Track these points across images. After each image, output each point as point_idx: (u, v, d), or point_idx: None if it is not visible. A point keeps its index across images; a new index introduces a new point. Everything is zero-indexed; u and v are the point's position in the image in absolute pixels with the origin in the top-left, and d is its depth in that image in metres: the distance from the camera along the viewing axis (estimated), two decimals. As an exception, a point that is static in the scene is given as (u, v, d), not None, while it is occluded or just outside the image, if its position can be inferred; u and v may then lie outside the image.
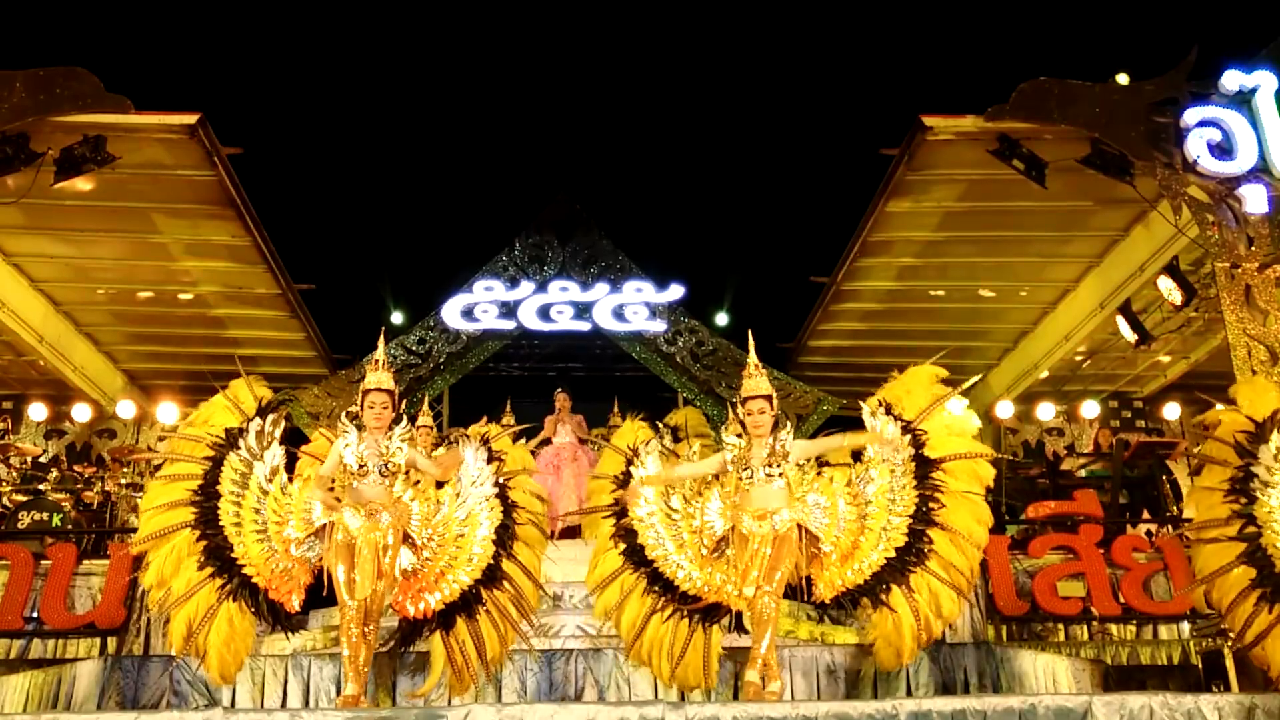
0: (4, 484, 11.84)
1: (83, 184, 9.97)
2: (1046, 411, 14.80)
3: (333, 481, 6.31)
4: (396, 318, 14.74)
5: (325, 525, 6.21)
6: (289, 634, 7.35)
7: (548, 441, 11.44)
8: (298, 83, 16.68)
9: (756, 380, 6.71)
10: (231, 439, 6.62)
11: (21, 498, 11.48)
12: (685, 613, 6.65)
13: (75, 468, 12.89)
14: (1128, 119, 9.46)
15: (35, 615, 9.57)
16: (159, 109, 9.52)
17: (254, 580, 6.41)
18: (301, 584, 6.41)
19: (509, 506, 6.66)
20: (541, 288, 14.15)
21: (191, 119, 9.45)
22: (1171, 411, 14.58)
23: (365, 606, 6.06)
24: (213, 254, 11.88)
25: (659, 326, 14.15)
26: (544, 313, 14.06)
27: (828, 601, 6.74)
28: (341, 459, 6.23)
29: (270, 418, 6.71)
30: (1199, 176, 9.36)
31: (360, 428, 6.28)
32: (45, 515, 11.15)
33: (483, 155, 16.85)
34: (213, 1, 16.28)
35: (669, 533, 6.71)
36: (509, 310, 14.01)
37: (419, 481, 6.48)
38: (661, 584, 6.64)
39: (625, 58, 17.36)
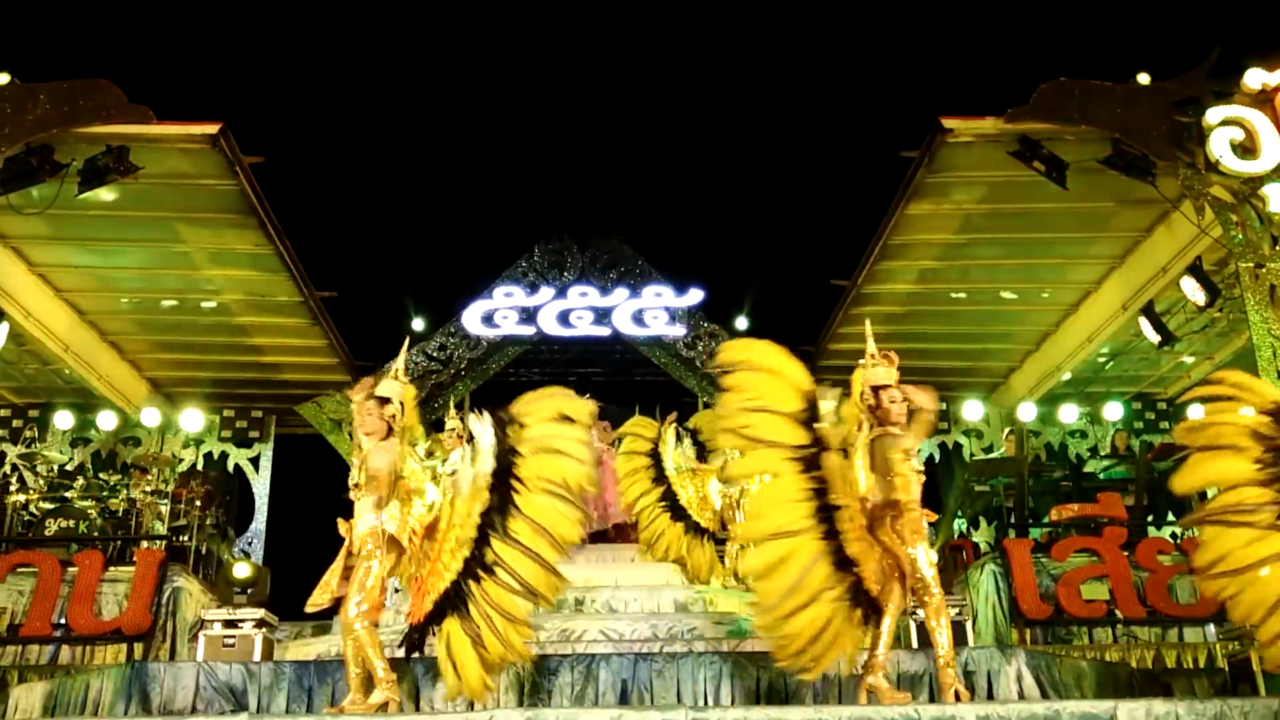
0: (31, 492, 11.94)
1: (106, 194, 10.05)
2: (1069, 413, 14.73)
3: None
4: (418, 324, 14.78)
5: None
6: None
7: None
8: (318, 92, 16.79)
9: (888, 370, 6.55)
10: None
11: (49, 505, 11.57)
12: (852, 600, 5.69)
13: (101, 475, 12.99)
14: (1149, 119, 9.40)
15: (63, 621, 9.66)
16: (181, 119, 9.59)
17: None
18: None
19: (508, 482, 5.92)
20: (561, 293, 14.18)
21: (213, 129, 9.51)
22: (1196, 413, 14.45)
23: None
24: (235, 263, 11.95)
25: (679, 331, 14.16)
26: (564, 318, 14.09)
27: None
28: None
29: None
30: (1222, 176, 9.29)
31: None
32: (72, 523, 11.26)
33: (503, 161, 16.91)
34: (233, 12, 16.39)
35: (847, 498, 5.81)
36: (529, 316, 14.06)
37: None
38: (838, 559, 5.65)
39: (645, 63, 17.40)
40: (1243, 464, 6.00)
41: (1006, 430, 14.67)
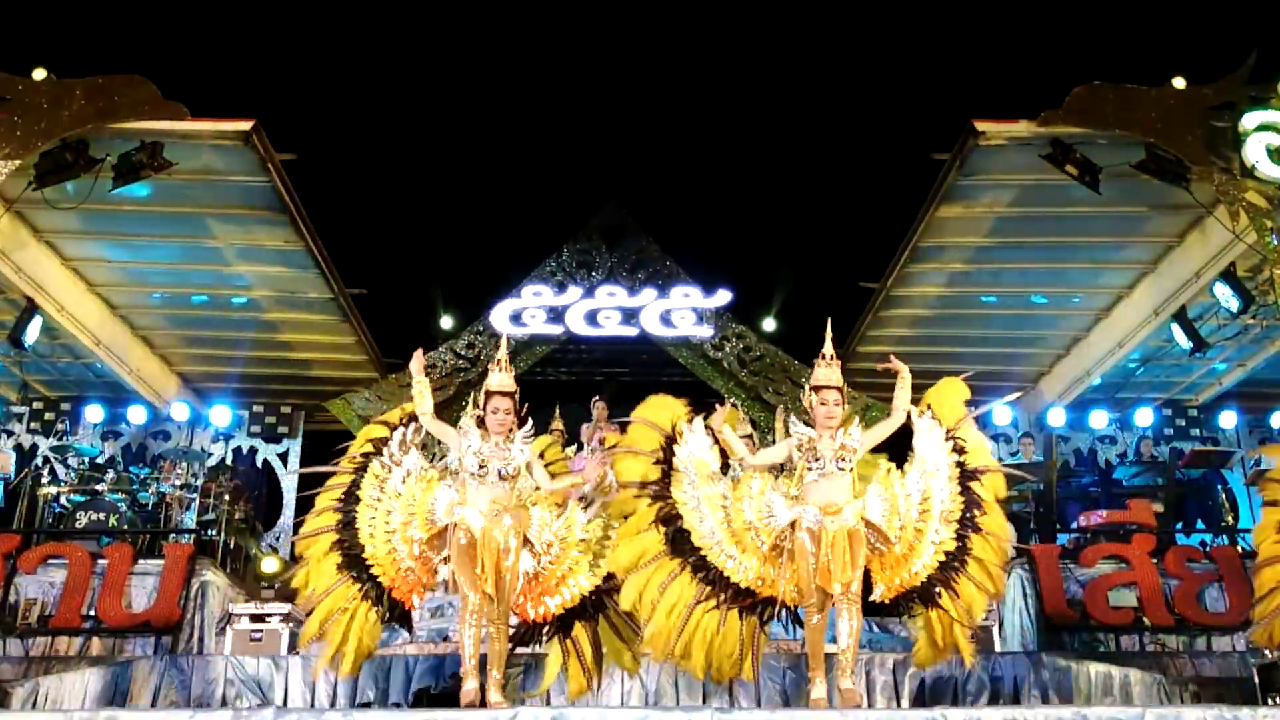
0: (63, 485, 12.06)
1: (139, 190, 10.14)
2: (1099, 419, 14.63)
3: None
4: (446, 322, 14.83)
5: (448, 527, 6.31)
6: (409, 632, 7.43)
7: (582, 448, 11.47)
8: (350, 89, 16.87)
9: (830, 370, 6.53)
10: (376, 448, 6.82)
11: (79, 498, 11.69)
12: (735, 606, 6.30)
13: (131, 468, 13.11)
14: (1184, 123, 9.32)
15: (93, 614, 9.75)
16: (214, 116, 9.65)
17: (379, 579, 6.55)
18: (422, 584, 6.58)
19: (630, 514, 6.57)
20: (589, 293, 14.19)
21: (246, 125, 9.57)
22: (1227, 420, 14.35)
23: (484, 602, 6.12)
24: (266, 259, 12.03)
25: (706, 332, 14.15)
26: (591, 318, 14.10)
27: (886, 602, 6.46)
28: (461, 460, 6.41)
29: (414, 425, 6.83)
30: (1257, 182, 9.21)
31: (482, 427, 6.42)
32: (102, 515, 11.36)
33: (532, 160, 16.93)
34: (267, 8, 16.49)
35: (718, 519, 6.40)
36: (557, 315, 14.07)
37: (539, 486, 6.56)
38: (707, 574, 6.31)
39: (675, 63, 17.38)
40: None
41: (1021, 433, 14.60)
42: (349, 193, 15.57)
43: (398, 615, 6.65)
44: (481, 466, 6.27)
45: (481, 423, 6.50)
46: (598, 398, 11.84)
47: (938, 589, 6.35)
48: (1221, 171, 9.24)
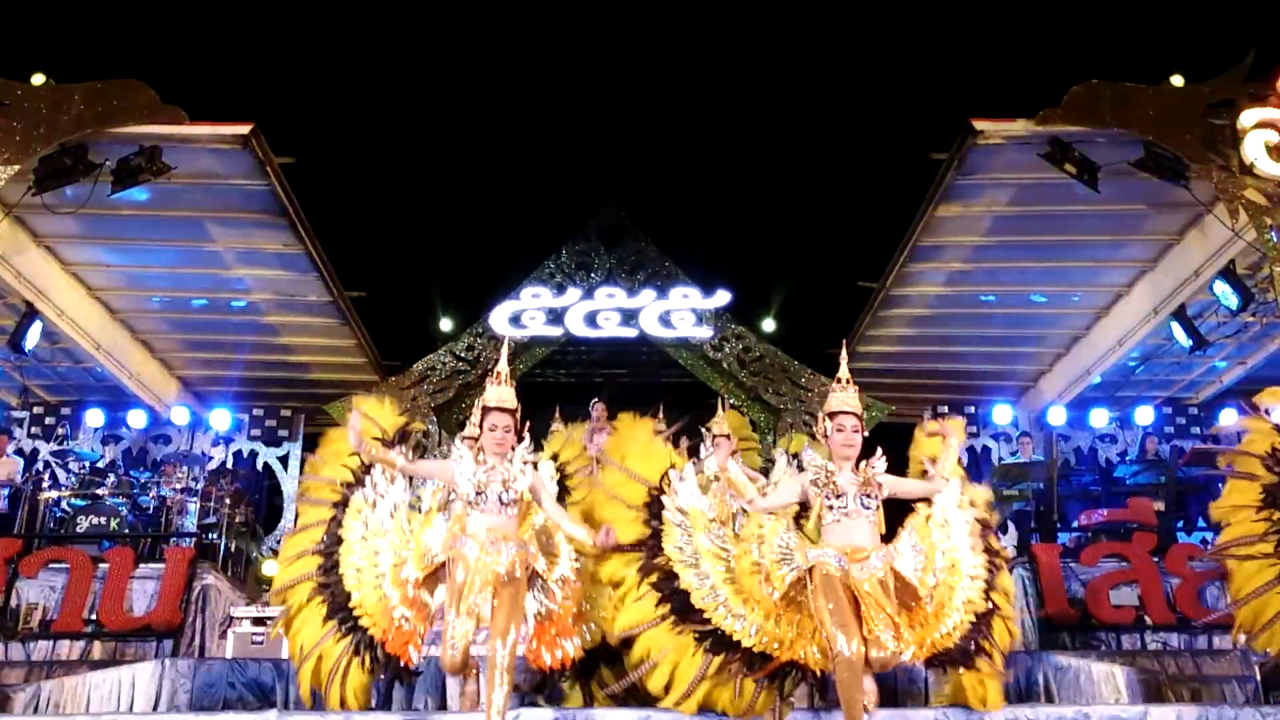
0: (64, 489, 12.06)
1: (138, 194, 10.13)
2: (1099, 418, 14.63)
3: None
4: (445, 324, 14.84)
5: (445, 564, 5.57)
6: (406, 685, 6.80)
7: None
8: (348, 93, 16.88)
9: (846, 395, 5.80)
10: (358, 477, 6.15)
11: (80, 502, 11.69)
12: (751, 676, 5.43)
13: (131, 472, 13.11)
14: (1183, 121, 9.31)
15: (95, 618, 9.75)
16: (212, 120, 9.65)
17: (370, 631, 5.84)
18: (420, 635, 5.82)
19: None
20: (588, 294, 14.20)
21: (244, 129, 9.57)
22: (1227, 418, 14.36)
23: (465, 650, 5.29)
24: (265, 262, 12.03)
25: (705, 332, 14.15)
26: (591, 319, 14.10)
27: (919, 663, 5.76)
28: (454, 483, 5.66)
29: (399, 447, 6.11)
30: (1256, 179, 9.19)
31: (477, 449, 5.69)
32: (103, 519, 11.36)
33: (531, 162, 16.94)
34: (264, 13, 16.49)
35: (719, 575, 5.60)
36: (556, 317, 14.08)
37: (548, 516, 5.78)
38: (713, 639, 5.47)
39: (672, 64, 17.39)
40: (1252, 493, 6.32)
41: (1021, 432, 14.61)
42: (348, 196, 15.59)
43: (393, 672, 5.90)
44: (479, 493, 5.52)
45: (478, 443, 5.75)
46: (597, 399, 11.84)
47: (973, 649, 5.66)
48: (1220, 169, 9.24)
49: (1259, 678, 7.57)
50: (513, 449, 5.68)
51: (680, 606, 5.53)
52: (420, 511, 6.16)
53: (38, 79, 9.36)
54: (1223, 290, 10.41)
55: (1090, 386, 14.03)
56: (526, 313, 14.07)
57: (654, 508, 5.86)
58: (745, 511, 5.87)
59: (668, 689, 5.47)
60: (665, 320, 14.11)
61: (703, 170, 17.08)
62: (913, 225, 11.32)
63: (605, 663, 5.82)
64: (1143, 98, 9.42)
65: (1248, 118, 9.29)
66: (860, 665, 5.10)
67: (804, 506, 5.67)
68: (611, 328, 14.10)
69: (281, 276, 12.31)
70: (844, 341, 6.24)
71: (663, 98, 17.18)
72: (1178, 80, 9.56)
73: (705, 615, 5.49)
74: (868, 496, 5.48)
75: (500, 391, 5.72)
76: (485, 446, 5.65)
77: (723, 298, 14.24)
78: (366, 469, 6.14)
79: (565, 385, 14.35)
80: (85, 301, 12.45)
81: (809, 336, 14.86)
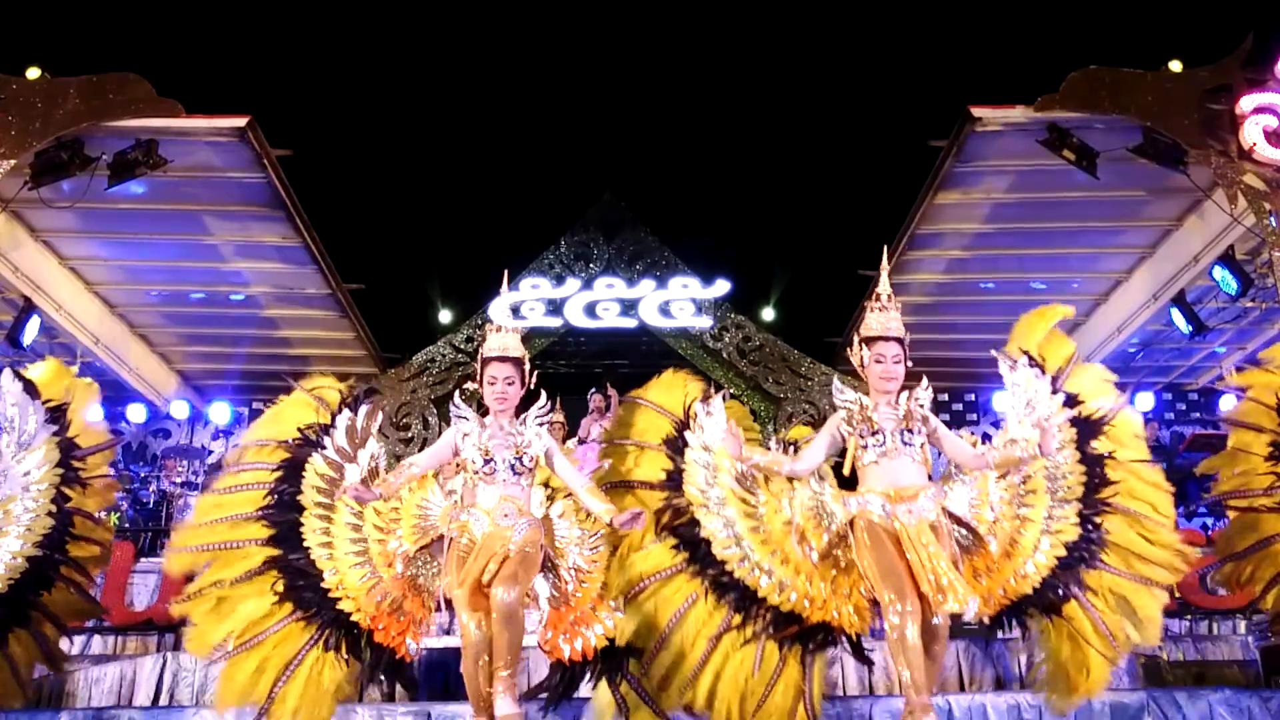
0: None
1: (135, 188, 10.12)
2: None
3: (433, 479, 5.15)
4: (445, 316, 14.83)
5: (444, 537, 4.88)
6: (408, 690, 5.82)
7: (583, 441, 11.48)
8: (346, 85, 16.82)
9: (886, 316, 5.02)
10: (315, 437, 5.24)
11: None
12: (776, 637, 4.85)
13: (131, 467, 13.10)
14: (1181, 107, 9.29)
15: (95, 612, 9.74)
16: (209, 112, 9.62)
17: (353, 618, 4.93)
18: (418, 621, 5.03)
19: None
20: (588, 285, 14.19)
21: (241, 121, 9.54)
22: (1228, 403, 14.34)
23: (482, 630, 4.54)
24: (263, 255, 12.01)
25: (705, 322, 14.14)
26: (590, 310, 14.10)
27: (987, 620, 4.87)
28: (458, 453, 4.90)
29: (364, 409, 5.34)
30: (1255, 164, 9.17)
31: (482, 411, 4.95)
32: (104, 514, 11.34)
33: (529, 153, 16.90)
34: (261, 4, 16.44)
35: (746, 524, 4.92)
36: (555, 308, 14.07)
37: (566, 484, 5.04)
38: (737, 594, 4.87)
39: (670, 53, 17.34)
40: (1259, 444, 5.90)
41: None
42: (345, 188, 15.55)
43: (386, 666, 5.00)
44: (486, 460, 4.80)
45: (483, 407, 4.98)
46: (595, 390, 11.85)
47: (1062, 592, 4.87)
48: (1219, 154, 9.22)
49: (1261, 662, 7.58)
50: (523, 409, 4.98)
51: (700, 556, 4.92)
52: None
53: (33, 72, 9.33)
54: (1222, 276, 10.40)
55: (1090, 374, 14.01)
56: (526, 304, 14.06)
57: (676, 444, 5.15)
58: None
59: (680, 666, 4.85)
60: (665, 310, 14.10)
61: (701, 159, 17.04)
62: (912, 213, 11.31)
63: (634, 654, 5.01)
64: (1141, 83, 9.40)
65: (1246, 103, 9.27)
66: (919, 631, 4.43)
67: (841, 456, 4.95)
68: (611, 318, 14.09)
69: (280, 269, 12.29)
70: (885, 248, 5.44)
71: (661, 87, 17.14)
72: (1176, 66, 9.54)
73: (728, 568, 4.87)
74: (909, 430, 4.80)
75: (501, 339, 5.03)
76: (488, 404, 4.93)
77: (722, 287, 14.23)
78: (326, 427, 5.24)
79: (565, 376, 14.32)
80: (83, 296, 12.43)
81: (808, 325, 14.88)
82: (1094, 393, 5.30)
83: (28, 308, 11.13)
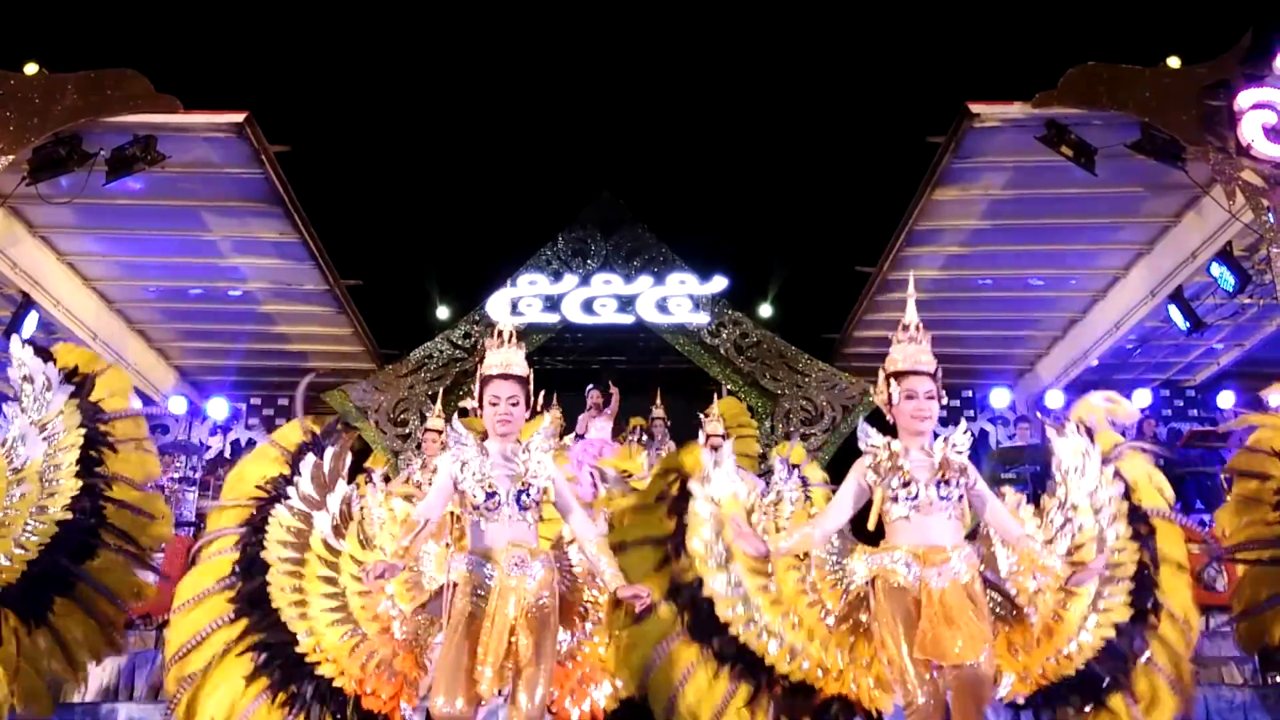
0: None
1: (133, 183, 10.12)
2: (1097, 401, 14.63)
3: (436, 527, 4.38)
4: (442, 312, 14.82)
5: (448, 587, 4.16)
6: None
7: (580, 437, 11.50)
8: (343, 80, 16.80)
9: (918, 349, 4.43)
10: (277, 488, 4.75)
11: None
12: (787, 712, 4.36)
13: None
14: (1179, 103, 9.30)
15: (93, 607, 9.72)
16: (207, 108, 9.63)
17: (335, 683, 4.43)
18: (412, 680, 4.49)
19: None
20: (585, 281, 14.17)
21: (239, 117, 9.54)
22: (1225, 400, 14.38)
23: (476, 709, 3.95)
24: (261, 251, 12.01)
25: (702, 319, 14.13)
26: (587, 306, 14.08)
27: (1021, 700, 4.41)
28: (457, 486, 4.25)
29: (331, 451, 4.85)
30: (1253, 160, 9.17)
31: (481, 435, 4.37)
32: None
33: (527, 149, 16.88)
34: (258, 1, 16.42)
35: (754, 582, 4.48)
36: (553, 304, 14.06)
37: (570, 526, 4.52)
38: (742, 663, 4.41)
39: (668, 50, 17.33)
40: (1265, 493, 5.55)
41: (1018, 416, 14.63)
42: (343, 184, 15.52)
43: None
44: (490, 494, 4.18)
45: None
46: (593, 386, 11.84)
47: (1108, 681, 4.39)
48: (1217, 151, 9.22)
49: (1257, 659, 7.60)
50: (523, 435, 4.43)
51: (702, 619, 4.45)
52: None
53: (31, 68, 9.33)
54: (1220, 272, 10.40)
55: (1088, 370, 14.03)
56: (523, 300, 14.04)
57: (679, 499, 4.69)
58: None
59: None
60: (662, 306, 14.09)
61: (698, 156, 17.02)
62: (909, 209, 11.32)
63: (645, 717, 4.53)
64: (1139, 80, 9.40)
65: (1244, 99, 9.26)
66: (941, 707, 3.93)
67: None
68: (608, 314, 14.08)
69: (278, 265, 12.30)
70: (911, 277, 5.18)
71: (658, 84, 17.12)
72: (1174, 62, 9.54)
73: (732, 632, 4.41)
74: (945, 482, 4.22)
75: (504, 355, 4.44)
76: (488, 427, 4.36)
77: (719, 283, 14.21)
78: (292, 473, 4.76)
79: (562, 372, 14.31)
80: (81, 291, 12.42)
81: (806, 322, 14.87)
82: (1143, 480, 4.91)
83: (26, 303, 11.13)
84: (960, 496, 4.23)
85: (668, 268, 14.28)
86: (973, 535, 4.44)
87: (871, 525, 4.32)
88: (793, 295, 15.16)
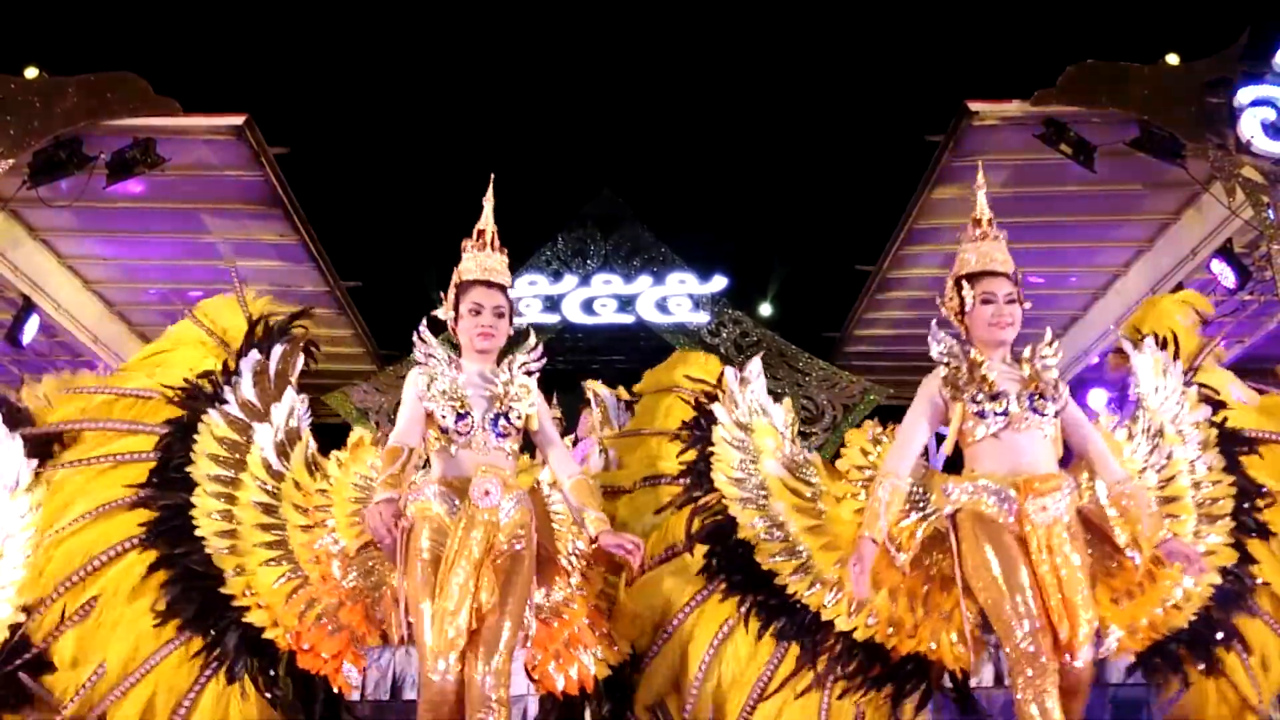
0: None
1: (133, 186, 10.12)
2: (1098, 398, 14.63)
3: (410, 459, 3.61)
4: (442, 313, 14.80)
5: (402, 525, 3.46)
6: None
7: (579, 440, 11.46)
8: (343, 82, 16.81)
9: (993, 246, 3.92)
10: (213, 388, 3.95)
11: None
12: (850, 679, 3.66)
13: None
14: (1179, 100, 9.30)
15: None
16: (206, 111, 9.63)
17: (266, 634, 3.67)
18: (360, 637, 3.73)
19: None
20: (585, 281, 14.18)
21: (239, 120, 9.55)
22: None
23: (461, 667, 3.27)
24: (261, 253, 12.01)
25: (703, 318, 14.14)
26: (588, 306, 14.10)
27: (1134, 655, 3.80)
28: (425, 407, 3.64)
29: (279, 349, 4.16)
30: (1253, 157, 9.19)
31: (454, 349, 3.81)
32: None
33: (526, 149, 16.87)
34: (258, 3, 16.43)
35: (801, 522, 3.77)
36: (553, 304, 14.07)
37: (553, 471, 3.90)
38: (790, 619, 3.70)
39: (667, 49, 17.33)
40: None
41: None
42: (343, 185, 15.53)
43: (314, 701, 3.75)
44: (461, 414, 3.58)
45: (455, 345, 3.83)
46: (589, 380, 11.82)
47: (1222, 633, 3.76)
48: (1217, 148, 9.23)
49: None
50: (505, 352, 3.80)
51: (738, 568, 3.78)
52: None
53: (31, 72, 9.32)
54: (1220, 269, 10.40)
55: (1089, 367, 14.02)
56: (523, 300, 14.05)
57: (702, 424, 4.04)
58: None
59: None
60: (662, 306, 14.09)
61: (697, 155, 17.02)
62: (909, 208, 11.32)
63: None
64: (1138, 77, 9.40)
65: (1243, 95, 9.27)
66: (1054, 672, 3.24)
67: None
68: (608, 314, 14.09)
69: (277, 267, 12.29)
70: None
71: (658, 84, 17.12)
72: (1173, 59, 9.54)
73: (779, 581, 3.73)
74: (1040, 396, 3.58)
75: (486, 259, 4.03)
76: (465, 341, 3.81)
77: (719, 283, 14.22)
78: (228, 374, 3.98)
79: (562, 373, 14.31)
80: (82, 294, 12.43)
81: (806, 321, 14.87)
82: (1234, 395, 4.33)
83: (27, 306, 11.14)
84: (1056, 413, 3.61)
85: (668, 267, 14.29)
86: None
87: (948, 450, 3.74)
88: (793, 294, 15.17)
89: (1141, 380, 4.18)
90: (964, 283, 3.86)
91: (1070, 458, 3.79)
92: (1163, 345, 4.29)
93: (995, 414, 3.53)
